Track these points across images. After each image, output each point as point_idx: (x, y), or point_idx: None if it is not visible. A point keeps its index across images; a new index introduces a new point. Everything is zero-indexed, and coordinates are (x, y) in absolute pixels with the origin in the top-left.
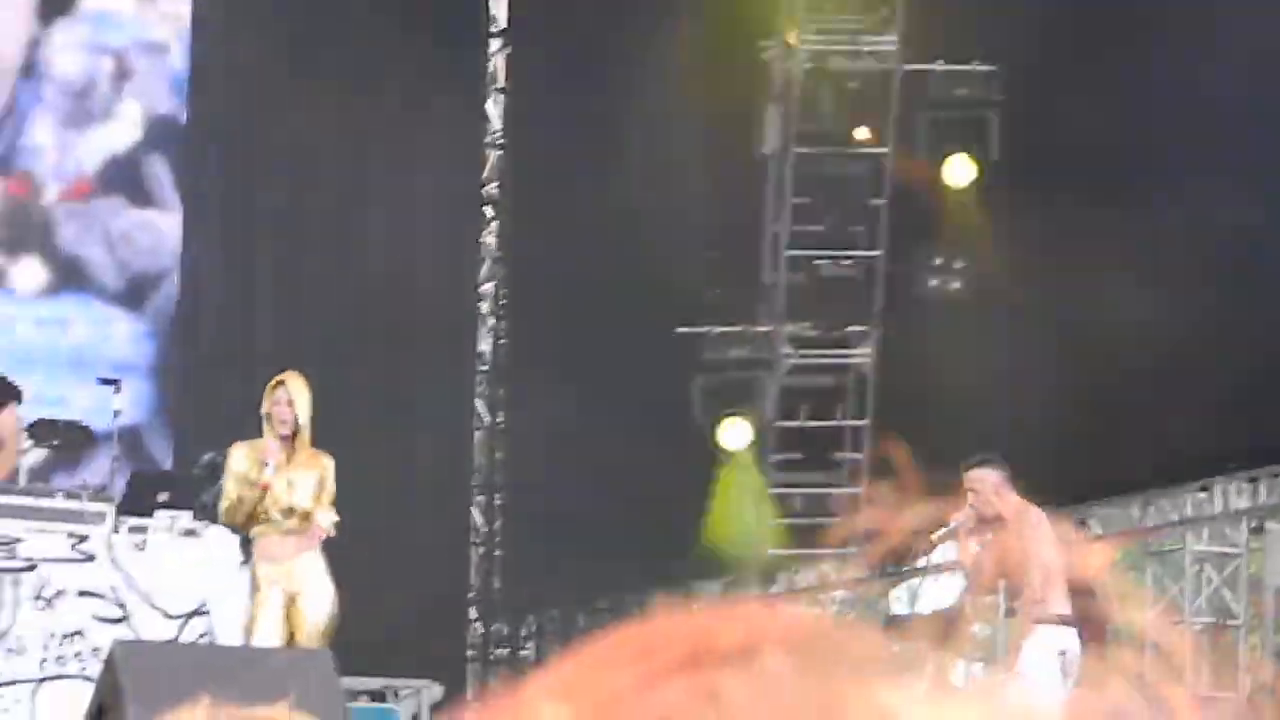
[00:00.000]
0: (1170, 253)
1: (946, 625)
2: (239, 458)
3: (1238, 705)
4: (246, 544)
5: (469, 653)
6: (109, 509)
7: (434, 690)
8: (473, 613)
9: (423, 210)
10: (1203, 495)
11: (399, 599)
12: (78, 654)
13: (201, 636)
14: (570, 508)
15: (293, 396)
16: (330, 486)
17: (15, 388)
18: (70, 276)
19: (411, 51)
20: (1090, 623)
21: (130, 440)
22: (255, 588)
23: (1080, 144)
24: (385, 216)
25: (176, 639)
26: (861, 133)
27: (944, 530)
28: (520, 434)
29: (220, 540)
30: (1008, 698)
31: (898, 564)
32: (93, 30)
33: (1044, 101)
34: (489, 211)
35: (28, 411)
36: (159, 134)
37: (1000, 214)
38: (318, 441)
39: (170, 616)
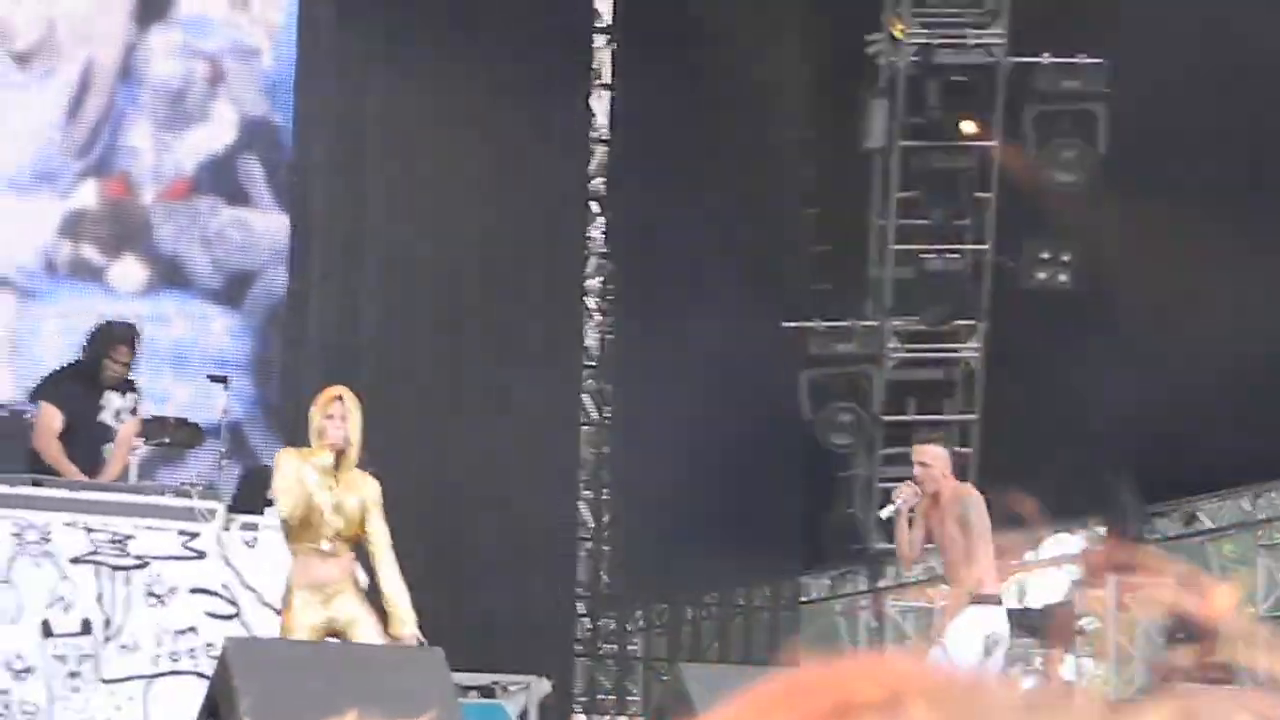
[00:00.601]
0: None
1: (1056, 619)
2: (289, 467)
3: None
4: None
5: (577, 648)
6: (220, 506)
7: (542, 685)
8: (580, 608)
9: (528, 206)
10: None
11: (507, 595)
12: (190, 650)
13: None
14: (677, 503)
15: (348, 412)
16: (378, 516)
17: (133, 384)
18: (168, 275)
19: (517, 47)
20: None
21: (232, 436)
22: (287, 605)
23: (1188, 136)
24: (490, 213)
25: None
26: (968, 126)
27: (891, 508)
28: (627, 429)
29: None
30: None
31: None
32: (187, 35)
33: (1153, 93)
34: (594, 207)
35: None
36: (252, 135)
37: (1107, 207)
38: (427, 438)
39: (281, 613)
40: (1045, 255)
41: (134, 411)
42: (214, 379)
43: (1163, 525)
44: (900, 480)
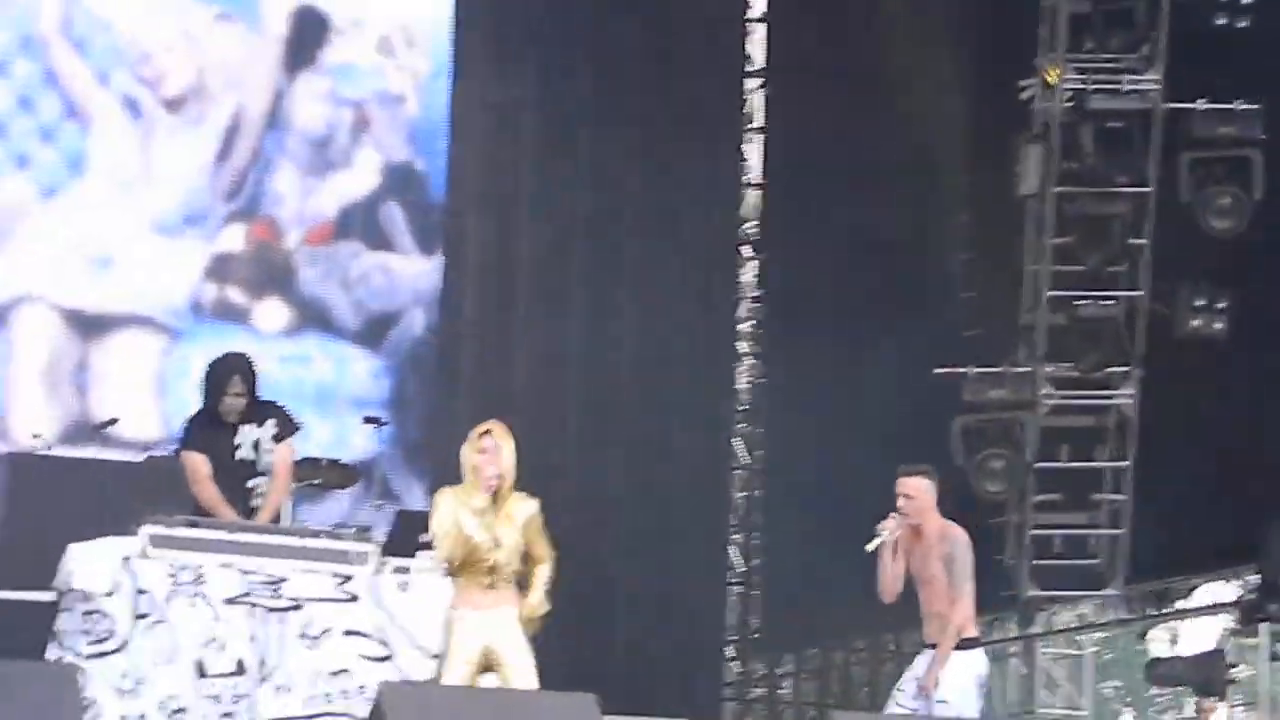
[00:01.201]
0: None
1: (1209, 667)
2: (447, 508)
3: None
4: None
5: (726, 691)
6: (372, 549)
7: None
8: (730, 652)
9: (681, 250)
10: None
11: (657, 637)
12: (344, 692)
13: None
14: (827, 546)
15: (500, 445)
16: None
17: (293, 420)
18: (311, 316)
19: (670, 92)
20: None
21: (377, 477)
22: (449, 633)
23: None
24: (643, 256)
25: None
26: (1122, 172)
27: (877, 540)
28: (778, 473)
29: None
30: None
31: (1158, 605)
32: (334, 82)
33: None
34: (747, 251)
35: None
36: (395, 180)
37: (1262, 254)
38: (578, 480)
39: (433, 656)
40: (1200, 301)
41: (278, 438)
42: (369, 420)
43: None
44: (1055, 528)
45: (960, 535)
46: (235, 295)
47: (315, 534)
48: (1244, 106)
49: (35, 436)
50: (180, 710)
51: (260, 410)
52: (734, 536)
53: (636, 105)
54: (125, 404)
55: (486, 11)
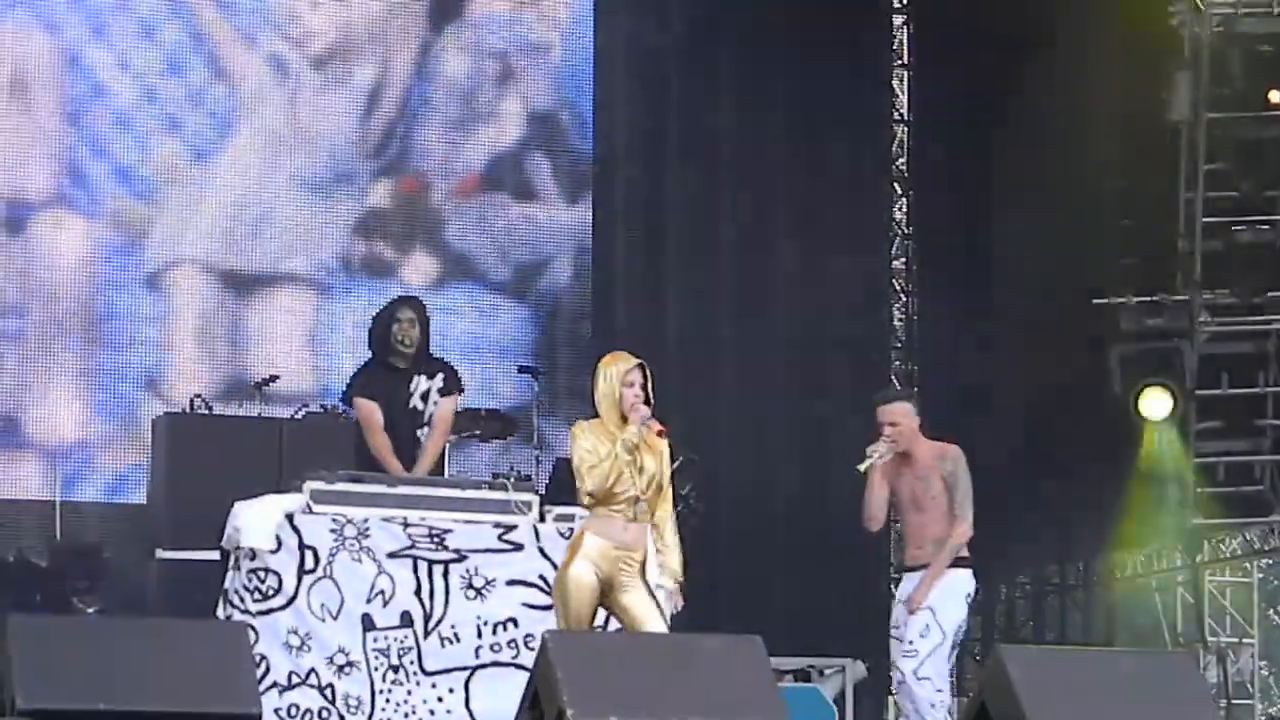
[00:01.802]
0: None
1: None
2: (590, 438)
3: None
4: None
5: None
6: (534, 498)
7: (858, 668)
8: (893, 590)
9: (831, 188)
10: None
11: (821, 579)
12: (510, 642)
13: None
14: (988, 482)
15: (648, 380)
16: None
17: (459, 378)
18: (458, 269)
19: (817, 29)
20: None
21: (531, 427)
22: (575, 547)
23: None
24: (793, 196)
25: (606, 626)
26: (1275, 96)
27: (868, 462)
28: (934, 409)
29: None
30: None
31: None
32: (477, 34)
33: None
34: (897, 188)
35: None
36: (540, 131)
37: None
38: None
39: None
40: None
41: (444, 392)
42: (525, 370)
43: None
44: (1218, 455)
45: (957, 453)
46: (383, 250)
47: (477, 485)
48: None
49: (195, 397)
50: (349, 664)
51: (431, 363)
52: None
53: (783, 44)
54: (280, 361)
55: None
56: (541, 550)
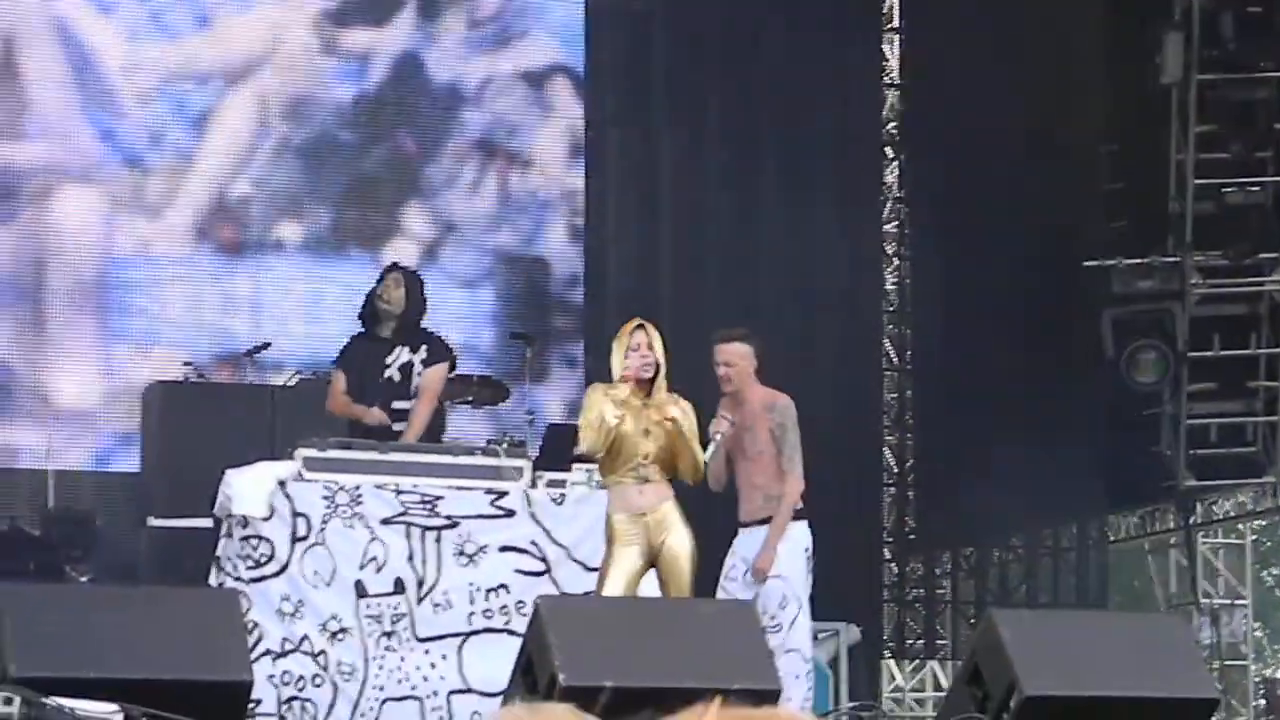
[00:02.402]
0: None
1: None
2: (596, 399)
3: None
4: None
5: (885, 593)
6: (526, 464)
7: (851, 632)
8: (887, 553)
9: (821, 150)
10: None
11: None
12: (502, 608)
13: None
14: (980, 444)
15: (652, 340)
16: (693, 433)
17: (451, 350)
18: (450, 234)
19: None
20: None
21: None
22: (611, 539)
23: None
24: (785, 159)
25: (599, 589)
26: (1264, 57)
27: (712, 447)
28: (928, 373)
29: None
30: None
31: None
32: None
33: None
34: (888, 151)
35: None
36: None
37: None
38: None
39: (590, 569)
40: None
41: (428, 362)
42: (516, 336)
43: None
44: (1210, 417)
45: (787, 403)
46: (376, 216)
47: (469, 451)
48: None
49: (186, 365)
50: (342, 631)
51: (417, 335)
52: (887, 438)
53: (771, 6)
54: (271, 329)
55: None
56: (533, 516)
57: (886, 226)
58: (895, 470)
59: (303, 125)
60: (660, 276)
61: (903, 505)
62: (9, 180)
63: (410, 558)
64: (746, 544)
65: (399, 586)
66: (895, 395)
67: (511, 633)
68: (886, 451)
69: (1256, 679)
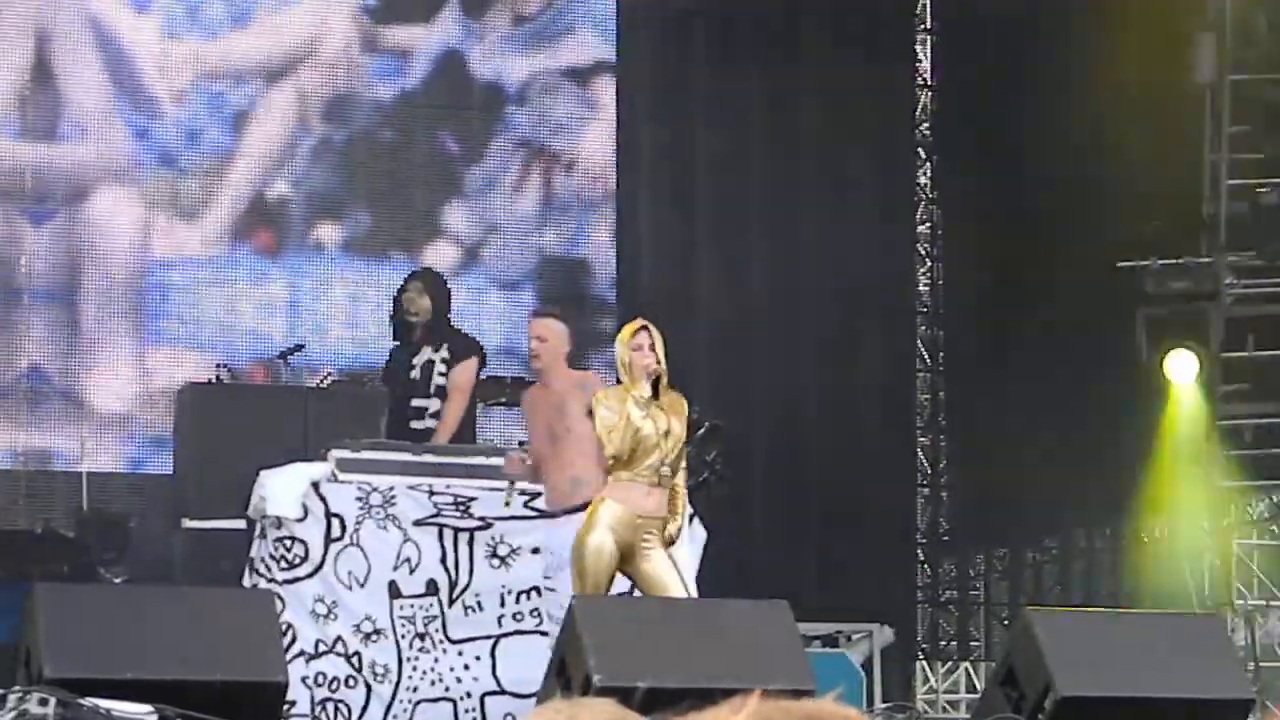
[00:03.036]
0: None
1: None
2: (611, 403)
3: None
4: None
5: (918, 595)
6: None
7: (885, 633)
8: (920, 554)
9: (856, 154)
10: None
11: (847, 544)
12: (534, 610)
13: None
14: (1014, 445)
15: (655, 340)
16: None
17: (478, 345)
18: (486, 233)
19: None
20: None
21: None
22: (592, 511)
23: None
24: (819, 161)
25: (630, 592)
26: None
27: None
28: (961, 373)
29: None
30: None
31: None
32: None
33: None
34: (922, 153)
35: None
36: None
37: None
38: (765, 387)
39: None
40: None
41: (451, 361)
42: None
43: None
44: (1245, 418)
45: (597, 381)
46: (412, 218)
47: (501, 452)
48: None
49: (220, 366)
50: (375, 632)
51: (441, 334)
52: (920, 439)
53: (806, 8)
54: (305, 331)
55: None
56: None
57: (920, 227)
58: (928, 471)
59: (343, 124)
60: (697, 277)
61: (936, 506)
62: (44, 181)
63: (443, 559)
64: (556, 538)
65: (431, 588)
66: (928, 396)
67: (544, 634)
68: (919, 452)
69: None
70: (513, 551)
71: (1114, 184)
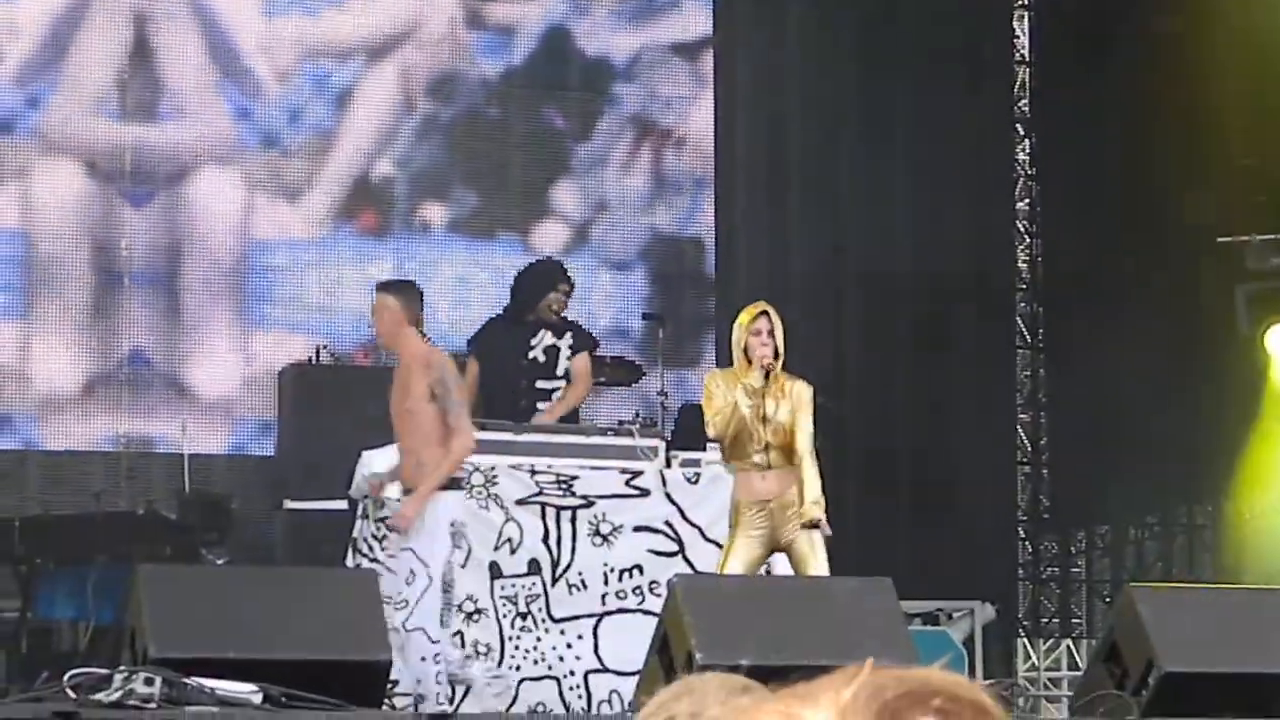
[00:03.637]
0: None
1: None
2: (718, 386)
3: None
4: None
5: (1020, 572)
6: (660, 444)
7: (986, 611)
8: (1021, 532)
9: (952, 133)
10: None
11: (949, 522)
12: (636, 589)
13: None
14: (1114, 422)
15: (775, 326)
16: (806, 417)
17: (592, 337)
18: (590, 215)
19: None
20: None
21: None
22: (733, 524)
23: None
24: (915, 141)
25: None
26: None
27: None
28: (1061, 351)
29: None
30: None
31: None
32: None
33: None
34: (1019, 129)
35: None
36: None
37: None
38: (859, 370)
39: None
40: None
41: (575, 349)
42: (648, 317)
43: None
44: None
45: (444, 359)
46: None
47: (603, 431)
48: None
49: (321, 347)
50: (478, 612)
51: (561, 321)
52: (1020, 417)
53: None
54: None
55: None
56: (668, 496)
57: (1019, 205)
58: (1029, 449)
59: (448, 103)
60: (790, 260)
61: (1037, 484)
62: (144, 163)
63: (545, 538)
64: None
65: (534, 567)
66: (1028, 374)
67: (646, 613)
68: (1020, 430)
69: None
70: (615, 529)
71: (1215, 158)
